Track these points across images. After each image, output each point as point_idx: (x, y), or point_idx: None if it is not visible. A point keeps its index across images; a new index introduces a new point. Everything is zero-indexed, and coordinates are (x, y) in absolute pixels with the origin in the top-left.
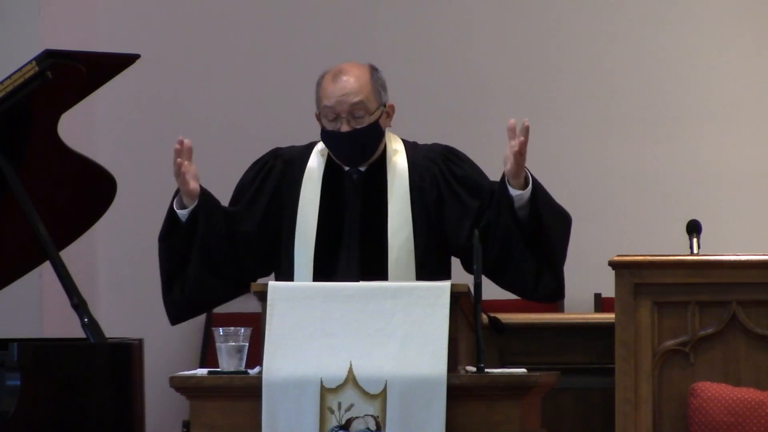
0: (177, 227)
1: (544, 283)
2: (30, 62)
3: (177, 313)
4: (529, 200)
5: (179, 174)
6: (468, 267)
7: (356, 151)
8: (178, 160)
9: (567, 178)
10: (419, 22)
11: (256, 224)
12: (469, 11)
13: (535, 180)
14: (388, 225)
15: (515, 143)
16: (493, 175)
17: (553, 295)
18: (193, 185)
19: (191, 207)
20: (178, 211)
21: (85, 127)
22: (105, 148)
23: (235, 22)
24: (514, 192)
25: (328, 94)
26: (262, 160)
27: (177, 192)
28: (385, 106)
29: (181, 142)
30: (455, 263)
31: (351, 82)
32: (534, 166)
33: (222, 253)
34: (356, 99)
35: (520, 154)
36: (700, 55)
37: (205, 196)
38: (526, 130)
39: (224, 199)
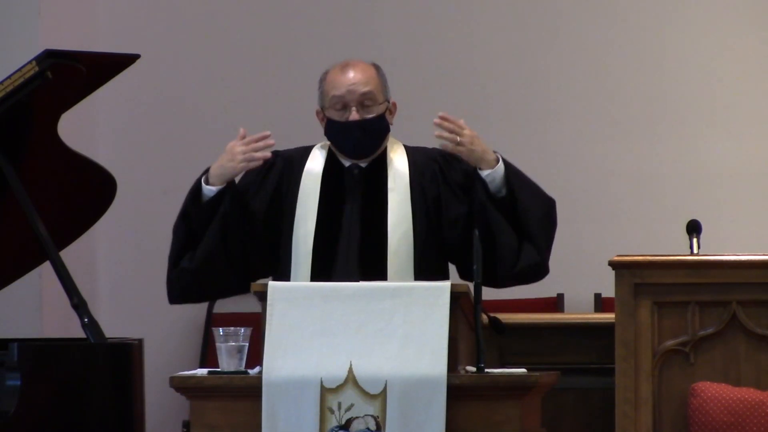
0: (198, 204)
1: (524, 255)
2: (30, 62)
3: (180, 286)
4: (503, 180)
5: (250, 160)
6: (462, 272)
7: (364, 140)
8: (268, 154)
9: (567, 178)
10: (419, 22)
11: (261, 219)
12: (469, 12)
13: (505, 160)
14: (387, 219)
15: (447, 138)
16: None
17: (535, 268)
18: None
19: (220, 186)
20: (207, 186)
21: (85, 127)
22: (105, 148)
23: (235, 22)
24: (484, 173)
25: (337, 84)
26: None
27: (205, 171)
28: (389, 102)
29: (267, 136)
30: None
31: (359, 74)
32: (535, 165)
33: (238, 233)
34: (365, 89)
35: (461, 145)
36: (700, 56)
37: (233, 181)
38: (445, 121)
39: None
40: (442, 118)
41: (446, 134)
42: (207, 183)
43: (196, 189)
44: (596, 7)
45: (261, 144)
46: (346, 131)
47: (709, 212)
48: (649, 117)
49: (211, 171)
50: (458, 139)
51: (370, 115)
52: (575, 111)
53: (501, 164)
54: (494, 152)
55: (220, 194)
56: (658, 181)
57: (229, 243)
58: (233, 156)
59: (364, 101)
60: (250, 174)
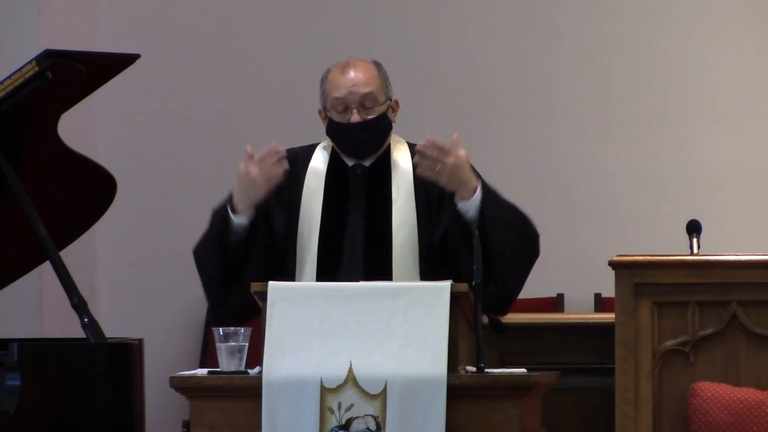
0: (230, 231)
1: (486, 293)
2: (30, 62)
3: (230, 316)
4: (477, 214)
5: (271, 178)
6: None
7: (366, 140)
8: (286, 164)
9: (567, 178)
10: (419, 22)
11: (284, 221)
12: (469, 11)
13: (485, 190)
14: (392, 219)
15: (422, 166)
16: (491, 177)
17: (495, 305)
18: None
19: (250, 216)
20: (237, 218)
21: (85, 127)
22: (105, 148)
23: (236, 22)
24: (459, 202)
25: (338, 85)
26: None
27: (228, 199)
28: (390, 100)
29: (275, 148)
30: None
31: (360, 74)
32: (535, 166)
33: (271, 256)
34: (366, 90)
35: (434, 172)
36: (700, 56)
37: (260, 207)
38: (430, 147)
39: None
40: (430, 143)
41: (426, 162)
42: (234, 212)
43: (225, 219)
44: (596, 7)
45: (275, 159)
46: (347, 132)
47: (709, 212)
48: (649, 117)
49: (235, 201)
50: (437, 168)
51: (372, 116)
52: (575, 111)
53: (477, 197)
54: (478, 178)
55: (255, 220)
56: (658, 181)
57: (268, 265)
58: (252, 181)
59: (365, 102)
60: None
